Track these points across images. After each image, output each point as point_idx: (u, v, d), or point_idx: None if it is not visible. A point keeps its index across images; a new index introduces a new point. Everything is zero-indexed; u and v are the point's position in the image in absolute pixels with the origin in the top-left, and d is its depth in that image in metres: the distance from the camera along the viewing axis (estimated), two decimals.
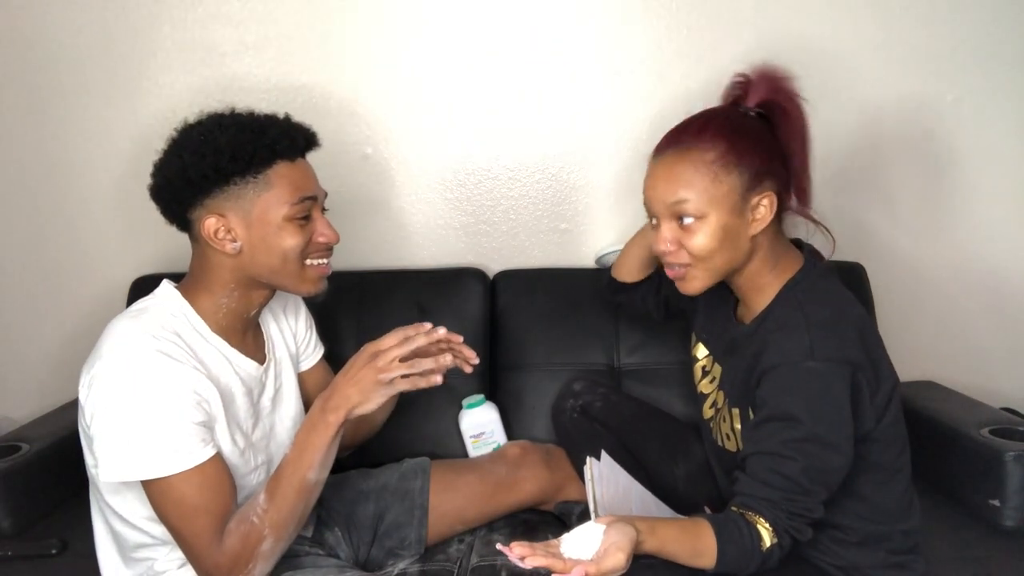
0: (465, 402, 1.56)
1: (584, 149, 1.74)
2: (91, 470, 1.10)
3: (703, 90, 1.67)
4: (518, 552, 0.89)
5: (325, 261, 1.16)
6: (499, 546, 0.91)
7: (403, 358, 1.06)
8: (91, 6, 1.68)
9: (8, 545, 1.35)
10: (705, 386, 1.21)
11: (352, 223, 1.79)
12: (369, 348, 1.08)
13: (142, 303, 1.12)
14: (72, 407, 1.22)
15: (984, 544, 1.30)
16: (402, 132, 1.74)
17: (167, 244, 1.63)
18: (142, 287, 1.53)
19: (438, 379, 1.08)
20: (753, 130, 1.04)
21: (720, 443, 1.14)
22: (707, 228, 1.02)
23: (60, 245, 1.79)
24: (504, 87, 1.71)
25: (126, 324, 1.06)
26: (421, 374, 1.07)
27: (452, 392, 1.58)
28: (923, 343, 1.60)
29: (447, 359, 1.09)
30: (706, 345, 1.22)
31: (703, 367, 1.22)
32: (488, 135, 1.74)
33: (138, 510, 1.08)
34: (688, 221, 1.03)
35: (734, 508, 1.00)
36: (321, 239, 1.13)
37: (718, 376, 1.16)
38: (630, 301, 1.44)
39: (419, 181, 1.77)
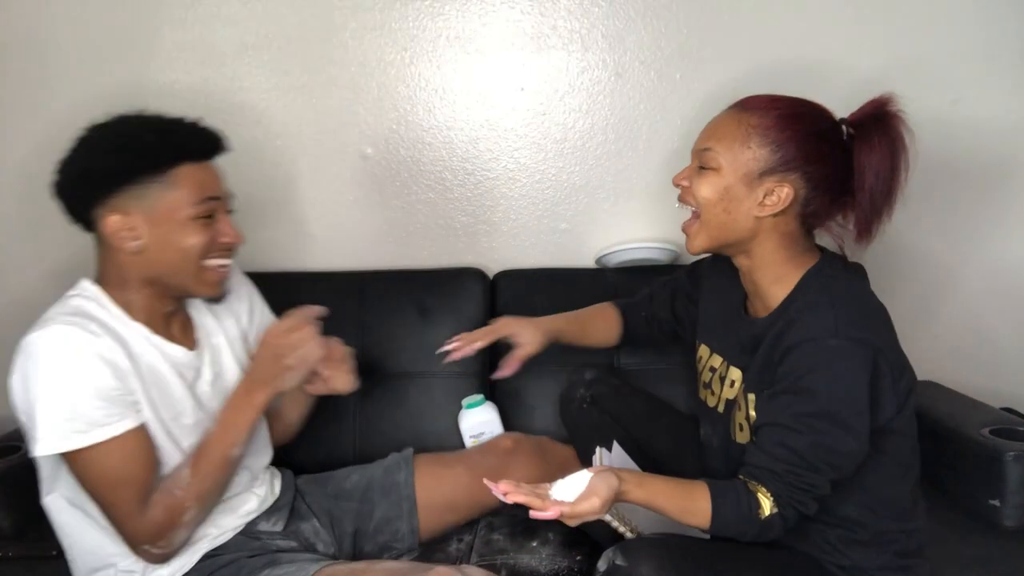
0: (465, 402, 1.56)
1: (584, 149, 1.74)
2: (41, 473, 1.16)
3: (703, 90, 1.68)
4: (502, 488, 0.95)
5: (225, 262, 1.18)
6: (486, 481, 0.97)
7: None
8: (91, 5, 1.67)
9: (8, 546, 1.35)
10: (716, 385, 1.20)
11: (352, 223, 1.79)
12: (282, 327, 1.15)
13: (63, 298, 1.15)
14: None
15: (984, 544, 1.30)
16: (402, 132, 1.74)
17: None
18: None
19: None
20: (819, 130, 1.04)
21: (733, 436, 1.13)
22: (714, 180, 1.05)
23: (62, 243, 1.78)
24: (504, 87, 1.71)
25: (48, 313, 1.10)
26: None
27: (452, 392, 1.59)
28: (924, 343, 1.60)
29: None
30: (714, 350, 1.21)
31: (711, 367, 1.21)
32: (488, 135, 1.74)
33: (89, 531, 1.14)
34: (705, 169, 1.06)
35: (740, 476, 1.02)
36: (224, 239, 1.17)
37: (738, 379, 1.14)
38: (645, 337, 1.45)
39: (419, 181, 1.77)
